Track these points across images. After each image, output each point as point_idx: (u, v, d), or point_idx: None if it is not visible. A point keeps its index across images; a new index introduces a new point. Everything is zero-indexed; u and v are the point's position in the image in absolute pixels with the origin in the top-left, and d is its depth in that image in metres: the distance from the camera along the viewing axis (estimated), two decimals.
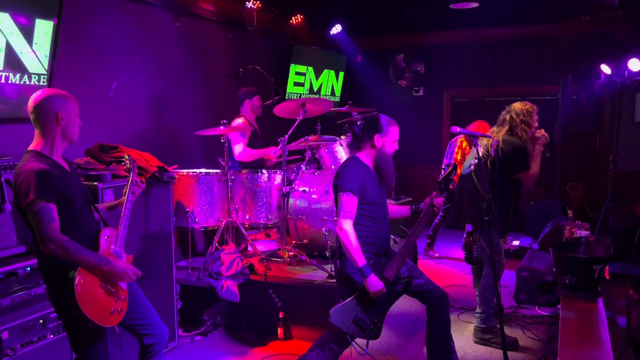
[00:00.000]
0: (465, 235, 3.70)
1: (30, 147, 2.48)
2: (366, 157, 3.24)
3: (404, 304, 4.54)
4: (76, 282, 2.34)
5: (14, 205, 2.92)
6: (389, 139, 3.22)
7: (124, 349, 2.84)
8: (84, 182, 2.89)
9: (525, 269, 4.77)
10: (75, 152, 2.68)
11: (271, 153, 4.88)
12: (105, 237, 2.57)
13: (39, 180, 2.32)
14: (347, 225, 3.03)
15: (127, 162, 2.92)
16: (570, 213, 4.98)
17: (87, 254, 2.40)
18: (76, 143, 2.61)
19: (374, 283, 2.99)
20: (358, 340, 3.17)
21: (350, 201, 3.05)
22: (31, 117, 2.48)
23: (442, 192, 3.20)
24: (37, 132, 2.49)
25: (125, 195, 2.77)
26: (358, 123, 3.33)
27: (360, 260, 2.99)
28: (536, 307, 4.65)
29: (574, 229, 4.27)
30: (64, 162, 2.57)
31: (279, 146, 4.52)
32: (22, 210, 2.38)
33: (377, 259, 3.15)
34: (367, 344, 3.20)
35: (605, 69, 6.30)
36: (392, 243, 4.24)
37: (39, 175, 2.33)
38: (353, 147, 3.31)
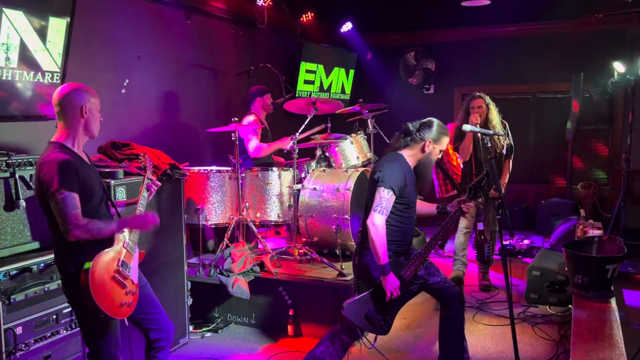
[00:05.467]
0: (476, 234, 3.69)
1: (53, 139, 2.54)
2: (411, 157, 3.18)
3: (416, 302, 4.52)
4: (91, 273, 2.39)
5: (27, 201, 2.97)
6: (438, 148, 3.18)
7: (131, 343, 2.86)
8: None
9: (536, 268, 4.74)
10: (87, 149, 2.71)
11: (285, 144, 4.78)
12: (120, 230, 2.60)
13: (62, 171, 2.38)
14: (380, 220, 2.98)
15: (144, 160, 2.95)
16: (582, 212, 4.95)
17: (110, 226, 2.51)
18: (96, 138, 2.66)
19: (392, 281, 3.00)
20: (368, 335, 3.18)
21: (388, 198, 3.00)
22: (56, 109, 2.53)
23: (471, 199, 3.13)
24: (60, 124, 2.54)
25: (140, 193, 2.82)
26: (414, 122, 3.22)
27: (384, 257, 2.97)
28: (547, 307, 4.62)
29: (586, 228, 4.25)
30: (84, 155, 2.62)
31: (292, 136, 4.50)
32: (44, 200, 2.43)
33: (396, 257, 3.14)
34: (375, 339, 3.20)
35: (619, 66, 6.24)
36: None
37: (62, 166, 2.38)
38: (400, 143, 3.20)
